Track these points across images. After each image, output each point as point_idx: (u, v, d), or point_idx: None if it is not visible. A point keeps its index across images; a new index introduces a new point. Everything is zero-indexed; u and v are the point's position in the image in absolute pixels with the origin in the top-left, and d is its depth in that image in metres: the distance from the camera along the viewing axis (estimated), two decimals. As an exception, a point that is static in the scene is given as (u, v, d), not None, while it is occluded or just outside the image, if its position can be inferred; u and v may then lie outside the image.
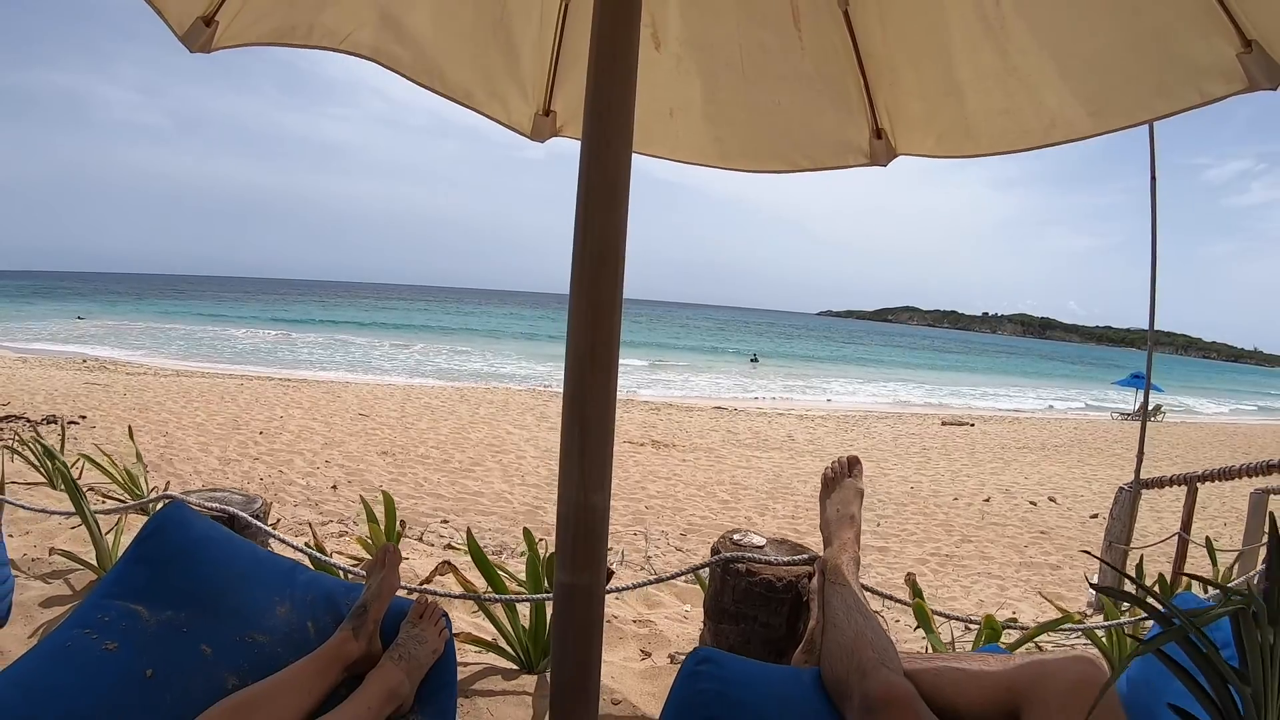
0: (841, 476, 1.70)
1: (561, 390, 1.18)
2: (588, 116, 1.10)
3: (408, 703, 1.35)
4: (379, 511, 2.74)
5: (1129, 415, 24.36)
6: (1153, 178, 4.40)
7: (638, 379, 25.18)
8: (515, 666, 2.02)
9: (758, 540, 1.84)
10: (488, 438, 10.57)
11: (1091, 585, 0.81)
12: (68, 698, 1.21)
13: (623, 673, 2.08)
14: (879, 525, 7.06)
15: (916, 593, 2.08)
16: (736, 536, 1.88)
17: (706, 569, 1.86)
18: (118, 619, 1.37)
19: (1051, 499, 9.10)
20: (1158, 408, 24.79)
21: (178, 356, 21.94)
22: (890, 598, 2.07)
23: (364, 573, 1.65)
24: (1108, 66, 1.37)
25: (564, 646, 1.22)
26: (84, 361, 18.23)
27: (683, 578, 2.54)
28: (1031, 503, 8.83)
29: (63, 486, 3.14)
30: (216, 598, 1.44)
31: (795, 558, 1.77)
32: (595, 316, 1.14)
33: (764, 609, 1.70)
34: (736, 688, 1.23)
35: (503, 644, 2.04)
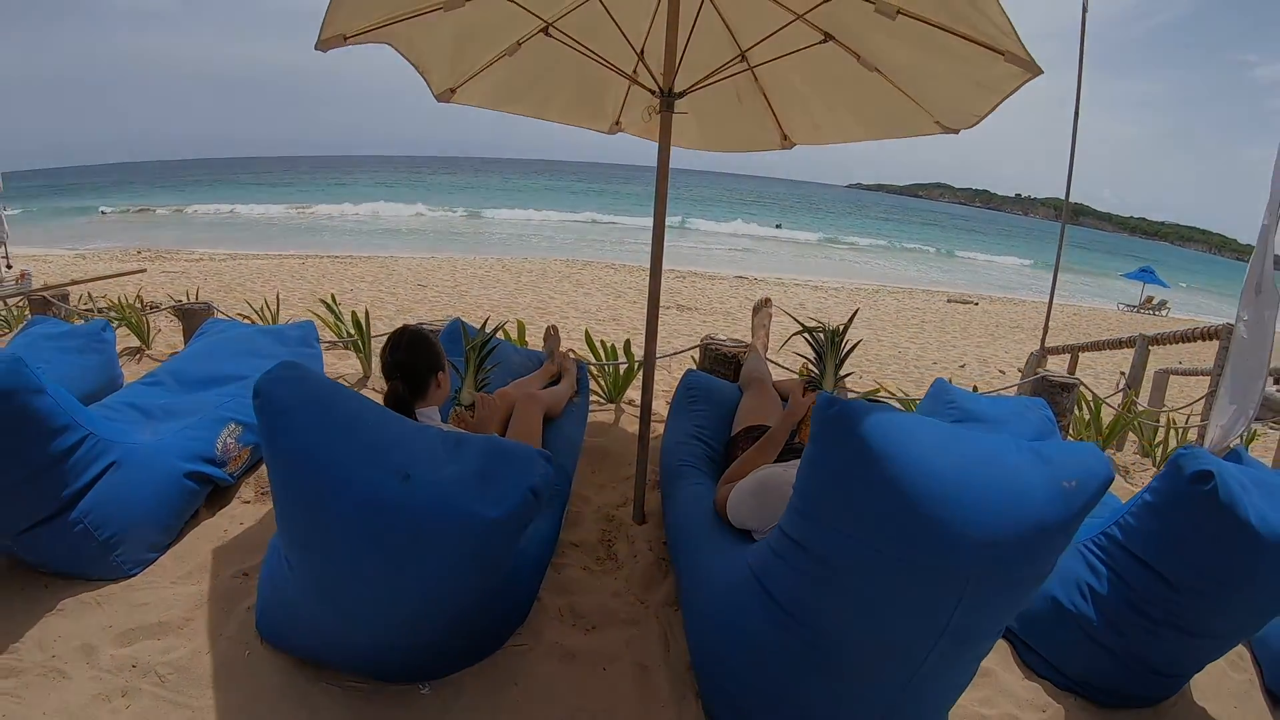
0: (762, 306, 3.52)
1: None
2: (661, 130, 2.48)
3: (574, 391, 3.25)
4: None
5: (1134, 307, 23.63)
6: (1080, 62, 5.45)
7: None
8: (602, 399, 3.98)
9: (722, 338, 3.74)
10: (534, 302, 11.46)
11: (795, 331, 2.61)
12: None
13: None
14: (854, 375, 8.58)
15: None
16: (712, 335, 3.79)
17: (698, 349, 3.79)
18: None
19: (1020, 370, 9.30)
20: (1163, 302, 24.22)
21: (213, 244, 20.56)
22: (789, 370, 3.99)
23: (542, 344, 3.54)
24: (870, 114, 3.02)
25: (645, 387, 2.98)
26: (139, 252, 18.03)
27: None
28: (1001, 371, 9.68)
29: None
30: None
31: (738, 343, 3.66)
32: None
33: (723, 367, 3.60)
34: (704, 378, 3.10)
35: (597, 390, 4.00)
